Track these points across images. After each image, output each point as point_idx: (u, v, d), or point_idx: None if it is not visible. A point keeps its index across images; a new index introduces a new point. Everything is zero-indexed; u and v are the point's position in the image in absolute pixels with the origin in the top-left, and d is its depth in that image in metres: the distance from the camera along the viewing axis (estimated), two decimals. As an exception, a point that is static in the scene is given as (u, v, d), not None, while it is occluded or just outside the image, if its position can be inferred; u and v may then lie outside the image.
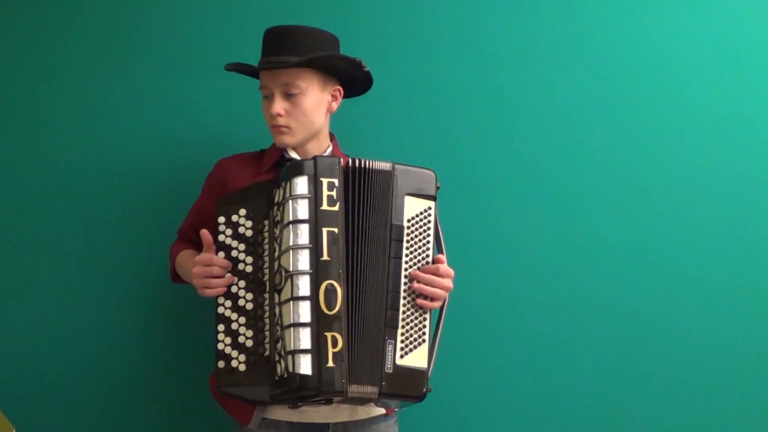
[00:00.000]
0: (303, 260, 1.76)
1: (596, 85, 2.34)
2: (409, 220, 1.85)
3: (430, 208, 1.87)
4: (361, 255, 1.81)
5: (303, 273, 1.75)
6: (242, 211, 1.86)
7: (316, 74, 1.93)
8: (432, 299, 1.84)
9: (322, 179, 1.79)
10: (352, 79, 2.00)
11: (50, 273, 2.25)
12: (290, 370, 1.72)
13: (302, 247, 1.76)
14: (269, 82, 1.92)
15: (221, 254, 1.84)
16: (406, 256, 1.84)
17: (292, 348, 1.72)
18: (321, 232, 1.77)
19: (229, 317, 1.83)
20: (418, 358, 1.82)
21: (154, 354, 2.26)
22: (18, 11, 2.26)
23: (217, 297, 1.83)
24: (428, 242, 1.87)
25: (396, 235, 1.83)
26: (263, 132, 2.01)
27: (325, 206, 1.79)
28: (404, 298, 1.83)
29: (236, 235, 1.85)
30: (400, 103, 2.32)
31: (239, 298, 1.83)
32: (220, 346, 1.82)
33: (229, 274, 1.83)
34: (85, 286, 2.25)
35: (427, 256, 1.86)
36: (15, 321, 2.23)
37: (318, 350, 1.73)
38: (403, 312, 1.82)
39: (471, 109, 2.33)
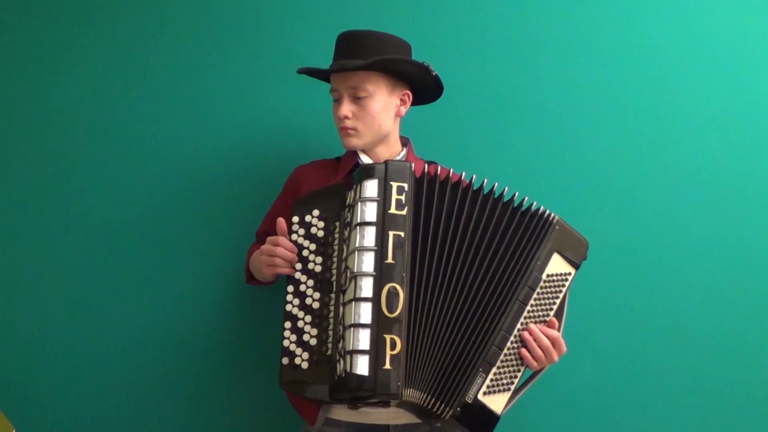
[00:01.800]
0: (367, 262, 1.77)
1: (601, 84, 2.32)
2: (548, 275, 1.86)
3: (569, 274, 1.89)
4: (449, 269, 1.81)
5: (367, 275, 1.76)
6: (315, 212, 1.89)
7: (385, 78, 1.95)
8: (534, 357, 1.83)
9: (392, 183, 1.81)
10: (422, 85, 2.01)
11: (51, 272, 2.25)
12: (348, 370, 1.73)
13: (368, 249, 1.78)
14: (338, 85, 1.96)
15: None
16: (531, 306, 1.85)
17: (351, 348, 1.73)
18: (387, 235, 1.78)
19: (296, 315, 1.85)
20: (497, 402, 1.82)
21: (155, 354, 2.26)
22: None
23: (286, 294, 1.87)
24: (554, 304, 1.87)
25: (532, 282, 1.85)
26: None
27: (392, 210, 1.80)
28: (512, 342, 1.83)
29: (308, 235, 1.89)
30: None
31: (306, 296, 1.86)
32: (286, 343, 1.85)
33: (297, 270, 1.86)
34: (86, 286, 2.26)
35: (547, 316, 1.87)
36: (15, 321, 2.23)
37: (376, 352, 1.73)
38: (505, 354, 1.83)
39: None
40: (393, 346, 1.74)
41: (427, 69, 1.95)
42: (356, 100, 1.95)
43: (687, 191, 2.31)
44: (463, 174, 1.87)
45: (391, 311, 1.75)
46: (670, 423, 2.27)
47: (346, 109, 1.95)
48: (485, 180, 1.87)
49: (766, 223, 2.31)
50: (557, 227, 1.87)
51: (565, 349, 1.85)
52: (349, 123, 1.95)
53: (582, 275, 2.26)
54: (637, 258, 2.30)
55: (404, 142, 2.07)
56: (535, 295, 1.85)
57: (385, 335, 1.74)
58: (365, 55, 1.92)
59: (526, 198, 1.89)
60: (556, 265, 1.87)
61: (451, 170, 1.87)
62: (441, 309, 1.81)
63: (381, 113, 1.96)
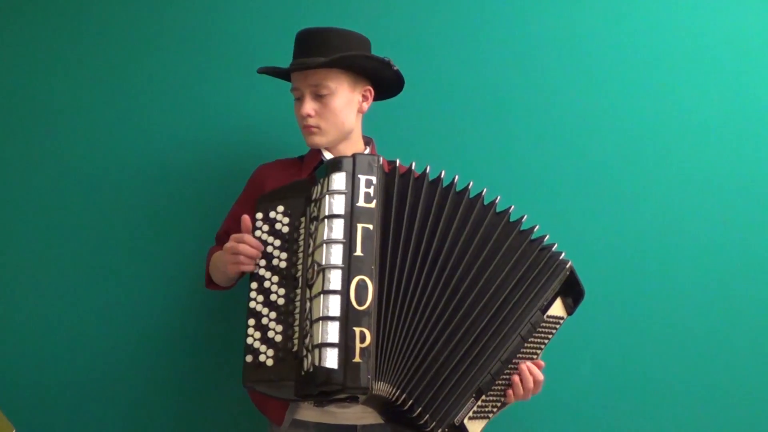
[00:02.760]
0: (336, 254, 1.74)
1: (601, 84, 2.35)
2: (548, 317, 1.87)
3: (562, 319, 1.91)
4: (425, 265, 1.79)
5: (335, 267, 1.73)
6: (280, 208, 1.86)
7: (346, 74, 1.95)
8: (514, 394, 1.85)
9: (360, 176, 1.79)
10: (383, 79, 2.01)
11: (52, 273, 2.26)
12: (317, 363, 1.68)
13: (336, 242, 1.75)
14: (299, 84, 1.95)
15: None
16: (528, 343, 1.85)
17: (320, 341, 1.69)
18: (356, 227, 1.76)
19: (260, 312, 1.81)
20: (476, 428, 1.83)
21: (157, 355, 2.26)
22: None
23: (249, 291, 1.83)
24: (543, 345, 1.90)
25: (535, 320, 1.84)
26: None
27: (361, 202, 1.78)
28: (506, 373, 1.83)
29: (272, 231, 1.85)
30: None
31: (271, 293, 1.82)
32: (249, 340, 1.80)
33: (261, 266, 1.83)
34: (86, 286, 2.26)
35: (536, 356, 1.89)
36: (15, 321, 2.24)
37: (345, 345, 1.69)
38: (496, 384, 1.83)
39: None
40: (363, 339, 1.71)
41: (388, 64, 1.96)
42: (318, 97, 1.94)
43: (686, 192, 2.31)
44: (442, 173, 1.85)
45: (360, 304, 1.72)
46: (669, 423, 2.27)
47: (309, 107, 1.94)
48: (471, 182, 1.86)
49: (766, 223, 2.31)
50: (568, 273, 1.88)
51: (540, 390, 1.87)
52: (312, 121, 1.95)
53: (581, 275, 2.23)
54: (636, 258, 2.30)
55: (368, 141, 2.07)
56: (534, 333, 1.85)
57: (354, 328, 1.70)
58: (326, 52, 1.92)
59: (525, 216, 1.88)
60: (557, 308, 1.89)
61: (428, 167, 1.86)
62: (417, 305, 1.77)
63: (343, 110, 1.95)
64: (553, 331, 1.90)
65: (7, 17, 2.29)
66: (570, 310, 1.91)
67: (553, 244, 1.90)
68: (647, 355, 2.28)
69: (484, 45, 2.34)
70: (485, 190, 1.88)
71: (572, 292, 1.91)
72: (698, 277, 2.30)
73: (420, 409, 1.75)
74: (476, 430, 1.83)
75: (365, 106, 2.01)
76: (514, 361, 1.84)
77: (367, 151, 2.04)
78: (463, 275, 1.81)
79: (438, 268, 1.80)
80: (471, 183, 1.87)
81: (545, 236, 1.89)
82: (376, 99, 2.07)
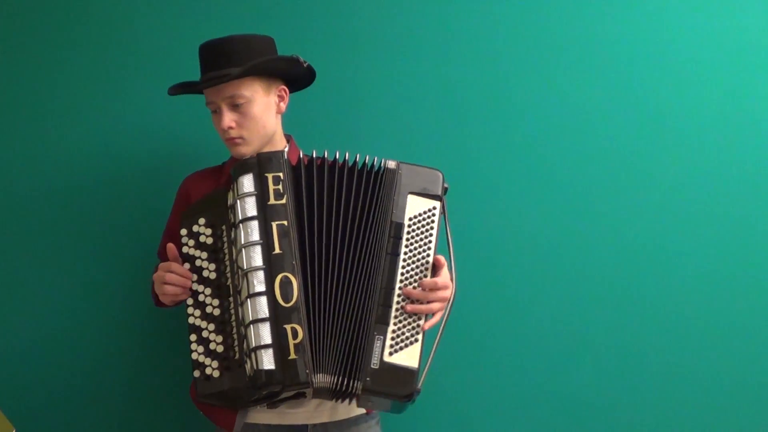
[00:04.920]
0: (256, 257, 1.76)
1: (599, 84, 2.31)
2: (410, 219, 1.83)
3: (434, 208, 1.85)
4: (332, 247, 1.79)
5: (257, 269, 1.75)
6: (202, 221, 1.87)
7: (259, 80, 1.92)
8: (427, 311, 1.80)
9: (267, 174, 1.80)
10: (295, 76, 2.00)
11: (50, 274, 2.27)
12: (255, 367, 1.70)
13: (254, 244, 1.76)
14: (214, 98, 1.92)
15: (186, 265, 1.85)
16: (405, 254, 1.81)
17: (254, 345, 1.71)
18: (270, 226, 1.77)
19: (200, 326, 1.83)
20: (408, 357, 1.77)
21: (157, 356, 2.28)
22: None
23: (186, 307, 1.84)
24: (430, 242, 1.83)
25: (395, 232, 1.81)
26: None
27: (272, 200, 1.79)
28: (399, 295, 1.79)
29: (198, 245, 1.86)
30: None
31: (207, 305, 1.83)
32: (194, 355, 1.82)
33: (193, 281, 1.84)
34: (85, 287, 2.28)
35: (428, 255, 1.82)
36: (15, 321, 2.25)
37: (279, 344, 1.71)
38: (396, 309, 1.78)
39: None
40: (295, 335, 1.72)
41: (297, 61, 1.94)
42: (235, 107, 1.90)
43: (686, 191, 2.28)
44: (347, 154, 1.85)
45: (286, 301, 1.73)
46: (670, 423, 2.25)
47: (228, 119, 1.90)
48: (356, 155, 1.85)
49: (766, 223, 2.28)
50: (401, 171, 1.84)
51: (449, 283, 1.81)
52: (234, 133, 1.91)
53: (581, 275, 2.27)
54: (637, 257, 2.28)
55: (288, 138, 2.06)
56: (405, 242, 1.80)
57: (285, 326, 1.72)
58: (234, 62, 1.89)
59: (375, 159, 1.86)
60: (416, 205, 1.84)
61: (326, 152, 1.85)
62: (337, 287, 1.78)
63: (263, 115, 1.93)
64: (432, 224, 1.83)
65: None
66: (435, 197, 1.84)
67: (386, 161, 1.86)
68: (649, 353, 2.26)
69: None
70: (365, 156, 1.84)
71: (422, 182, 1.85)
72: (699, 275, 2.27)
73: (351, 381, 1.74)
74: (412, 358, 1.75)
75: (283, 106, 1.98)
76: (401, 278, 1.78)
77: (287, 148, 2.02)
78: (350, 241, 1.80)
79: (346, 245, 1.79)
80: (352, 155, 1.84)
81: (383, 161, 1.86)
82: (291, 92, 2.05)
